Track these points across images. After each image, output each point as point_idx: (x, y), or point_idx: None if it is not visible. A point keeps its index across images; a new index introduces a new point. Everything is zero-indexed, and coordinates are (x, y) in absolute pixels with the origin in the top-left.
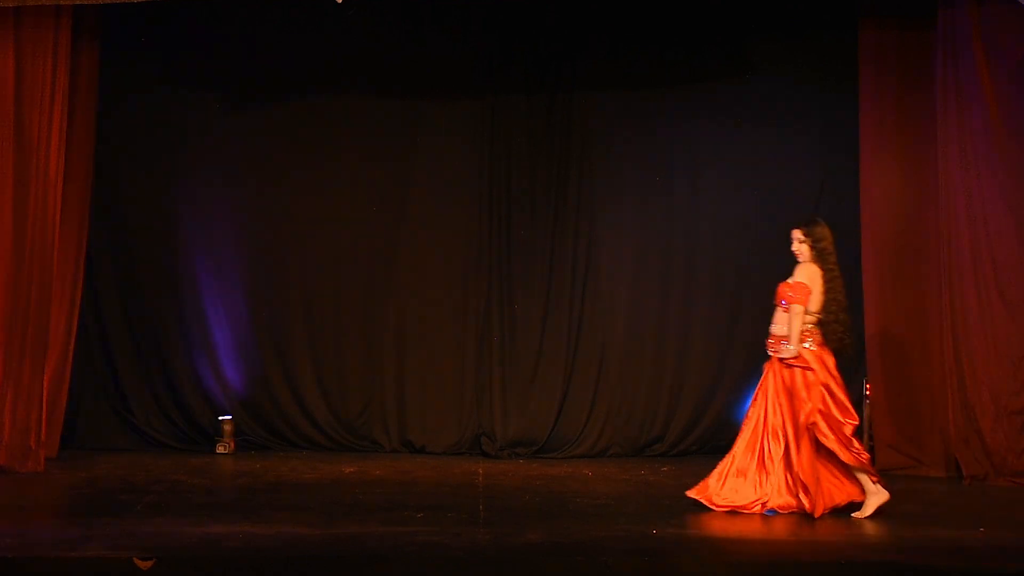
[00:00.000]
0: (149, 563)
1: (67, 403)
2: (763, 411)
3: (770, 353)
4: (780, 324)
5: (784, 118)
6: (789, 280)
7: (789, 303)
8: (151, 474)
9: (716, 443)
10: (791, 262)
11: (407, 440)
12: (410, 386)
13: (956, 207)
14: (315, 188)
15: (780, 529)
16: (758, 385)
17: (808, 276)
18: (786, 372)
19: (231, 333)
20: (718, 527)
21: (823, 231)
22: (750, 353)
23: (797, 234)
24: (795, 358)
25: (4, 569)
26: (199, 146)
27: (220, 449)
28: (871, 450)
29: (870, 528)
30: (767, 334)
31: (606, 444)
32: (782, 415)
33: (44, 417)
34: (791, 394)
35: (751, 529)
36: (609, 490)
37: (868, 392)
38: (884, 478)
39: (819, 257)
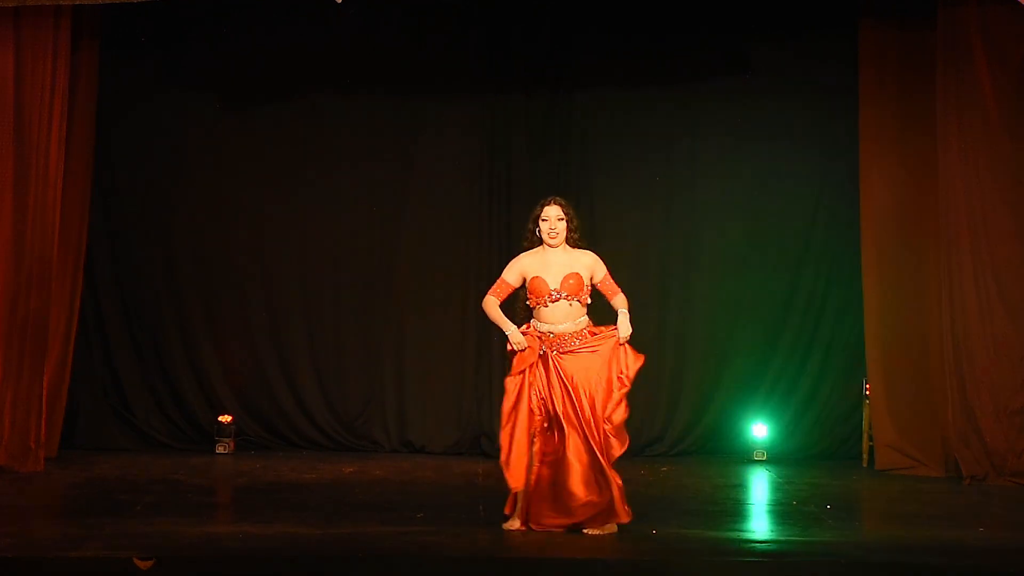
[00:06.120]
0: (149, 563)
1: (67, 403)
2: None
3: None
4: (572, 321)
5: (784, 118)
6: (578, 269)
7: (615, 294)
8: (151, 474)
9: (716, 443)
10: (791, 262)
11: (407, 440)
12: (410, 386)
13: (956, 207)
14: (314, 188)
15: (780, 529)
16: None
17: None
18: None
19: (231, 333)
20: (718, 527)
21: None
22: (750, 353)
23: (557, 211)
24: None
25: (4, 569)
26: (199, 146)
27: (220, 449)
28: (871, 450)
29: (870, 528)
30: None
31: None
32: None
33: (44, 417)
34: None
35: (751, 529)
36: None
37: (868, 392)
38: (884, 478)
39: (571, 239)
